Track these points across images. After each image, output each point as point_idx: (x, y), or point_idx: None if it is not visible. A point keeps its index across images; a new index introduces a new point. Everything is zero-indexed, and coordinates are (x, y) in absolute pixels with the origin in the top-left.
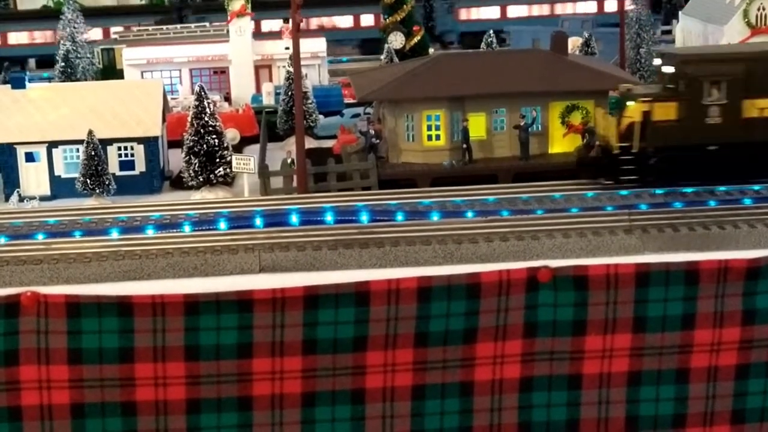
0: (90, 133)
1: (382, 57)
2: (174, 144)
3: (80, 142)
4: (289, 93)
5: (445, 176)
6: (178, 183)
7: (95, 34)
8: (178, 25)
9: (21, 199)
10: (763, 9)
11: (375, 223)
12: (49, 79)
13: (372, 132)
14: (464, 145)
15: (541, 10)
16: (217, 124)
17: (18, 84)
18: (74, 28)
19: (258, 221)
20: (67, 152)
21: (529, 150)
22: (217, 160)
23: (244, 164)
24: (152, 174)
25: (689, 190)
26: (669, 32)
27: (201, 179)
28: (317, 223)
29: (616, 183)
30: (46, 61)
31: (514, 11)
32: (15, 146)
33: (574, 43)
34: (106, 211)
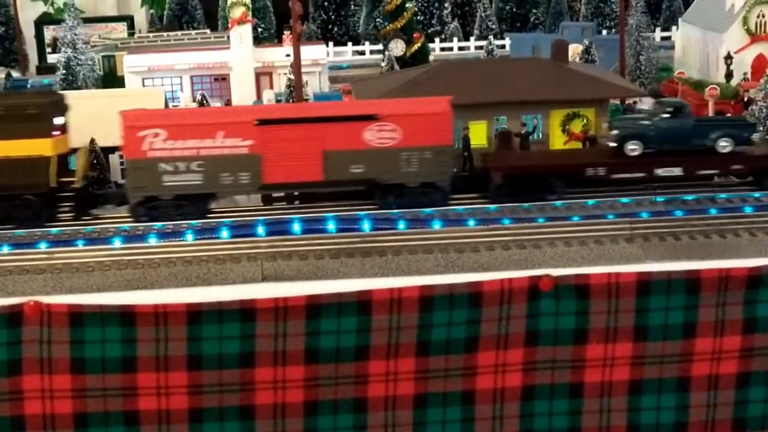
0: (92, 141)
1: (383, 64)
2: None
3: None
4: (290, 100)
5: None
6: None
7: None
8: (179, 32)
9: None
10: (763, 16)
11: (377, 232)
12: (50, 87)
13: None
14: (465, 153)
15: None
16: None
17: None
18: (75, 35)
19: (260, 230)
20: (70, 161)
21: None
22: None
23: None
24: None
25: (690, 197)
26: (668, 38)
27: None
28: (319, 232)
29: None
30: None
31: None
32: None
33: (574, 50)
34: (108, 219)
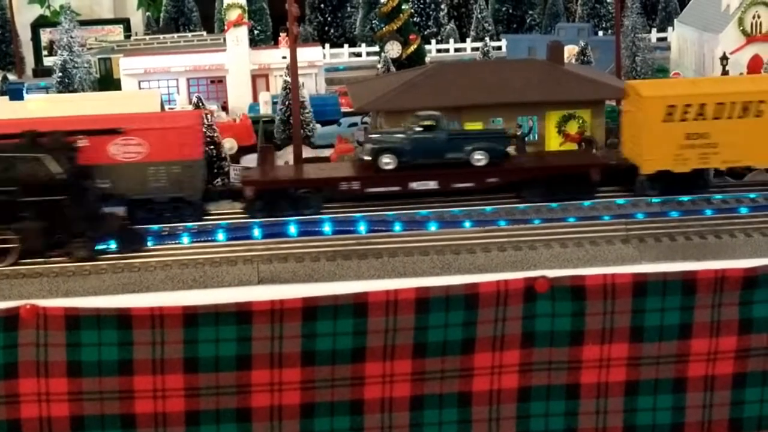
0: None
1: (379, 66)
2: None
3: None
4: (287, 102)
5: None
6: None
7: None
8: (175, 35)
9: None
10: (759, 17)
11: (373, 234)
12: (47, 90)
13: None
14: None
15: None
16: (215, 134)
17: (16, 95)
18: (71, 38)
19: (256, 232)
20: None
21: None
22: (216, 170)
23: None
24: None
25: (685, 198)
26: (664, 39)
27: None
28: (315, 234)
29: None
30: None
31: None
32: None
33: (570, 51)
34: None
